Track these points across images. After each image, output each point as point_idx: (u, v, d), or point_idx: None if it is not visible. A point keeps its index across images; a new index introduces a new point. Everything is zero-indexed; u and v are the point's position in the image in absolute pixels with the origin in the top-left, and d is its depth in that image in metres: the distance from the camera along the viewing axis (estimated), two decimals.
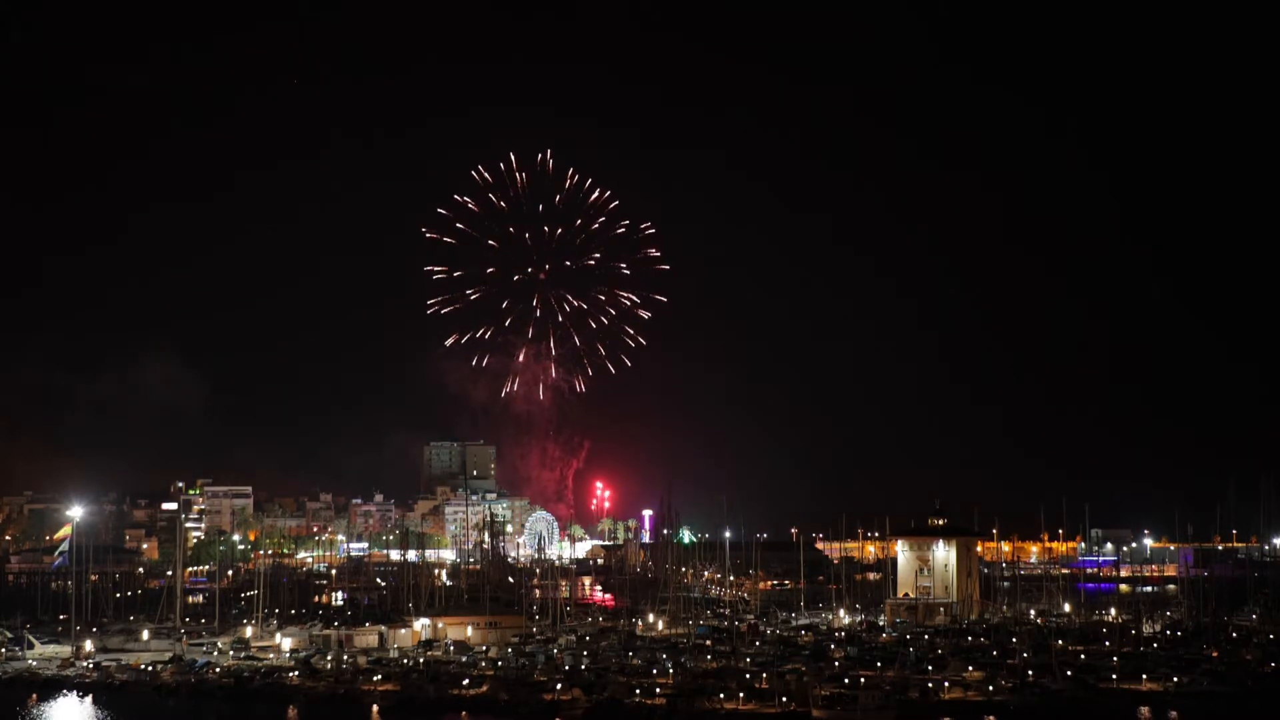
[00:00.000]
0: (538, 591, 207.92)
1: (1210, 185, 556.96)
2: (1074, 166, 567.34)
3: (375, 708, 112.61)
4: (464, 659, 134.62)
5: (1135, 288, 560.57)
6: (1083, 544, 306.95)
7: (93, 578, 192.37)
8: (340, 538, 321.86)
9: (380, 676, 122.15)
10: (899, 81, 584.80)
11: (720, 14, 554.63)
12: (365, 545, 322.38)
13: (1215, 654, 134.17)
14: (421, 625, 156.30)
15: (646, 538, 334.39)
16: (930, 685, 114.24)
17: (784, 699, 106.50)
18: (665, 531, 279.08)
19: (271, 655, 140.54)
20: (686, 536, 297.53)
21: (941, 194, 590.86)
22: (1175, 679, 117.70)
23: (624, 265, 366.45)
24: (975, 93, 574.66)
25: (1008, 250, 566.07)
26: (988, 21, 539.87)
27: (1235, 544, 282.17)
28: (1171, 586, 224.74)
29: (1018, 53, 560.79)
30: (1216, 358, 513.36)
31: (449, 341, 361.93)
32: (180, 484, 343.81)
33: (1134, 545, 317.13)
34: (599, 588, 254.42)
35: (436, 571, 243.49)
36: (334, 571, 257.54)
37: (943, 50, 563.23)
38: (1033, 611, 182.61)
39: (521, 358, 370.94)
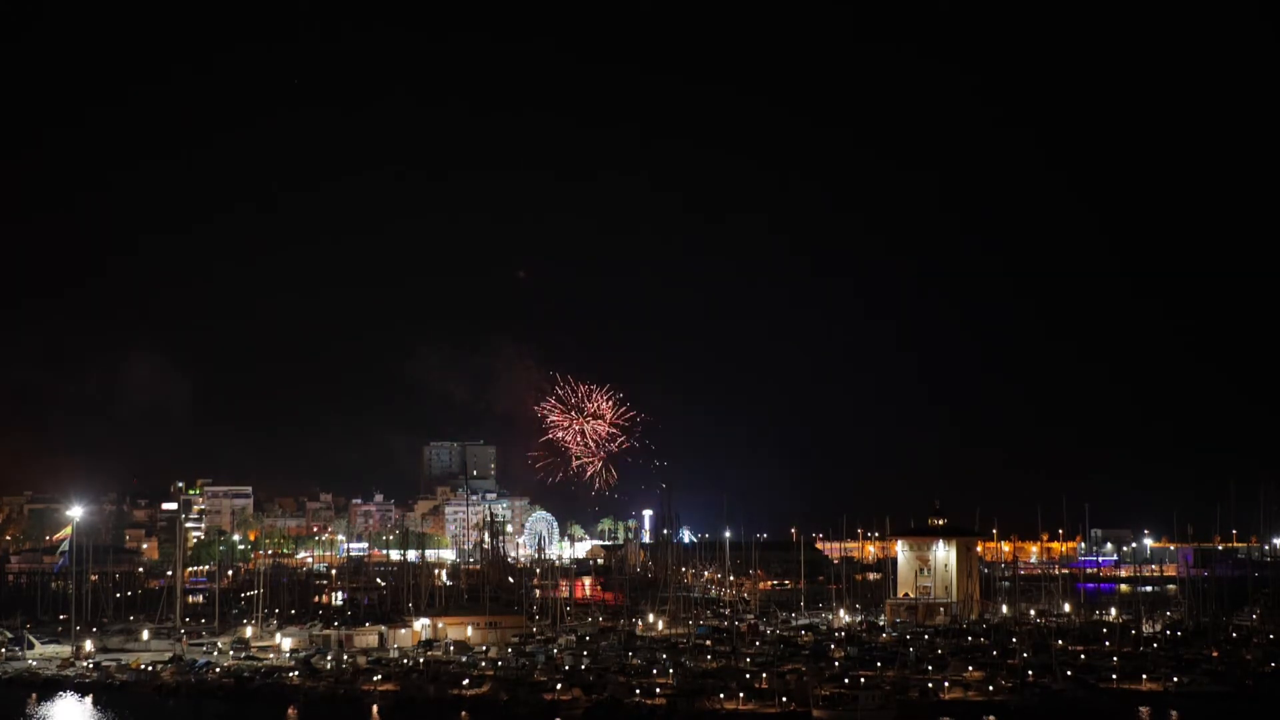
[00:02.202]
0: (538, 591, 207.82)
1: (1201, 191, 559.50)
2: (1059, 179, 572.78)
3: (375, 708, 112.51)
4: (464, 659, 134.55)
5: (1136, 290, 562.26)
6: (1083, 544, 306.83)
7: (93, 578, 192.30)
8: (340, 538, 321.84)
9: (380, 676, 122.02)
10: (890, 106, 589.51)
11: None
12: (365, 545, 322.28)
13: (1215, 654, 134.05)
14: (421, 625, 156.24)
15: (646, 538, 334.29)
16: (930, 685, 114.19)
17: (784, 699, 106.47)
18: (665, 531, 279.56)
19: (271, 655, 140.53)
20: (686, 536, 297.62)
21: (929, 220, 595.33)
22: (1175, 679, 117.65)
23: None
24: (965, 115, 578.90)
25: (1008, 253, 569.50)
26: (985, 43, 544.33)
27: (1235, 544, 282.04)
28: (1171, 586, 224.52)
29: (1010, 74, 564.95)
30: (1217, 358, 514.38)
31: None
32: (180, 484, 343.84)
33: (1134, 545, 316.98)
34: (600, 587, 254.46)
35: (436, 571, 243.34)
36: (334, 571, 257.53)
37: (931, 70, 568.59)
38: (1033, 611, 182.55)
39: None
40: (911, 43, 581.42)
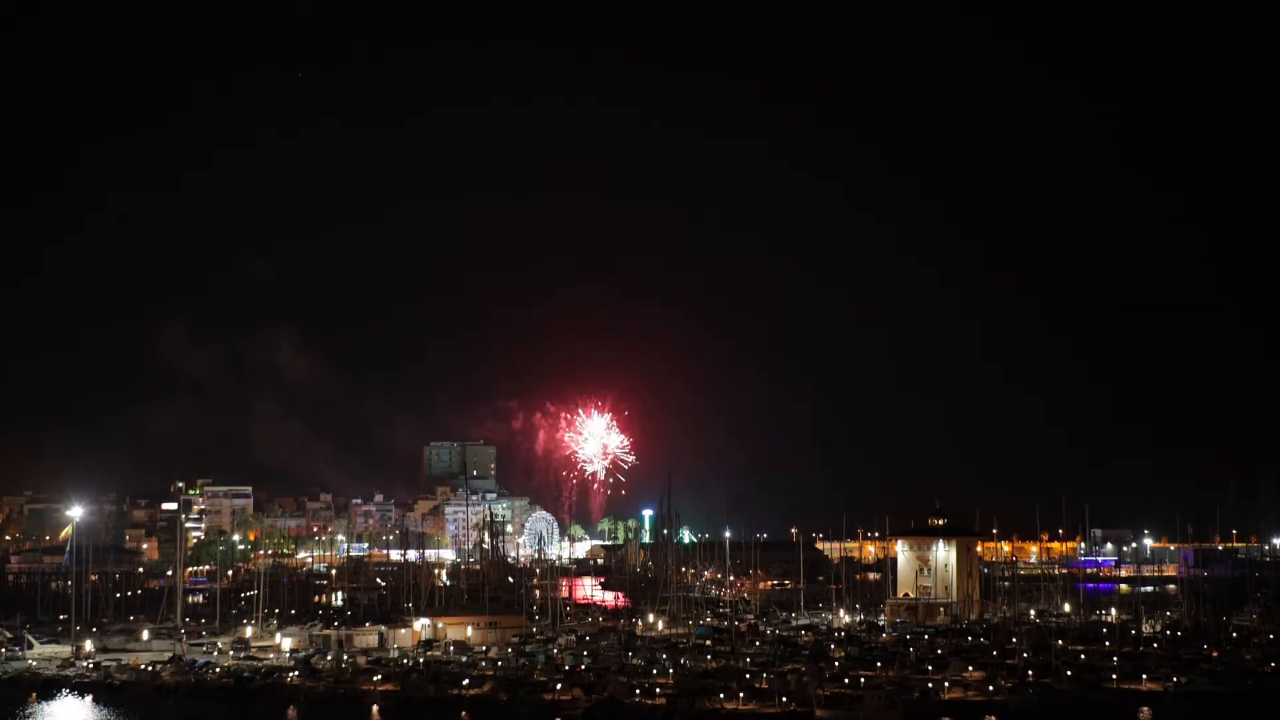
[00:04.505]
0: (538, 592, 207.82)
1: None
2: (1104, 159, 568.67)
3: (375, 708, 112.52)
4: (464, 659, 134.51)
5: (1141, 288, 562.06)
6: (1083, 544, 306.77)
7: (93, 578, 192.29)
8: (340, 538, 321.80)
9: (380, 676, 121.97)
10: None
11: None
12: (365, 545, 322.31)
13: (1215, 654, 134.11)
14: (421, 625, 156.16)
15: (646, 537, 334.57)
16: (931, 685, 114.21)
17: (784, 699, 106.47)
18: (665, 531, 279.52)
19: (271, 655, 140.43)
20: (686, 536, 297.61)
21: (945, 191, 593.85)
22: (1175, 679, 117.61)
23: None
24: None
25: (1016, 252, 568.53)
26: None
27: (1235, 544, 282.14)
28: (1171, 586, 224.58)
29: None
30: (1219, 357, 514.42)
31: None
32: (180, 484, 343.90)
33: (1134, 545, 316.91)
34: (600, 587, 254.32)
35: (436, 571, 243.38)
36: (334, 571, 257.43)
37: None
38: (1033, 611, 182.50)
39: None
40: None
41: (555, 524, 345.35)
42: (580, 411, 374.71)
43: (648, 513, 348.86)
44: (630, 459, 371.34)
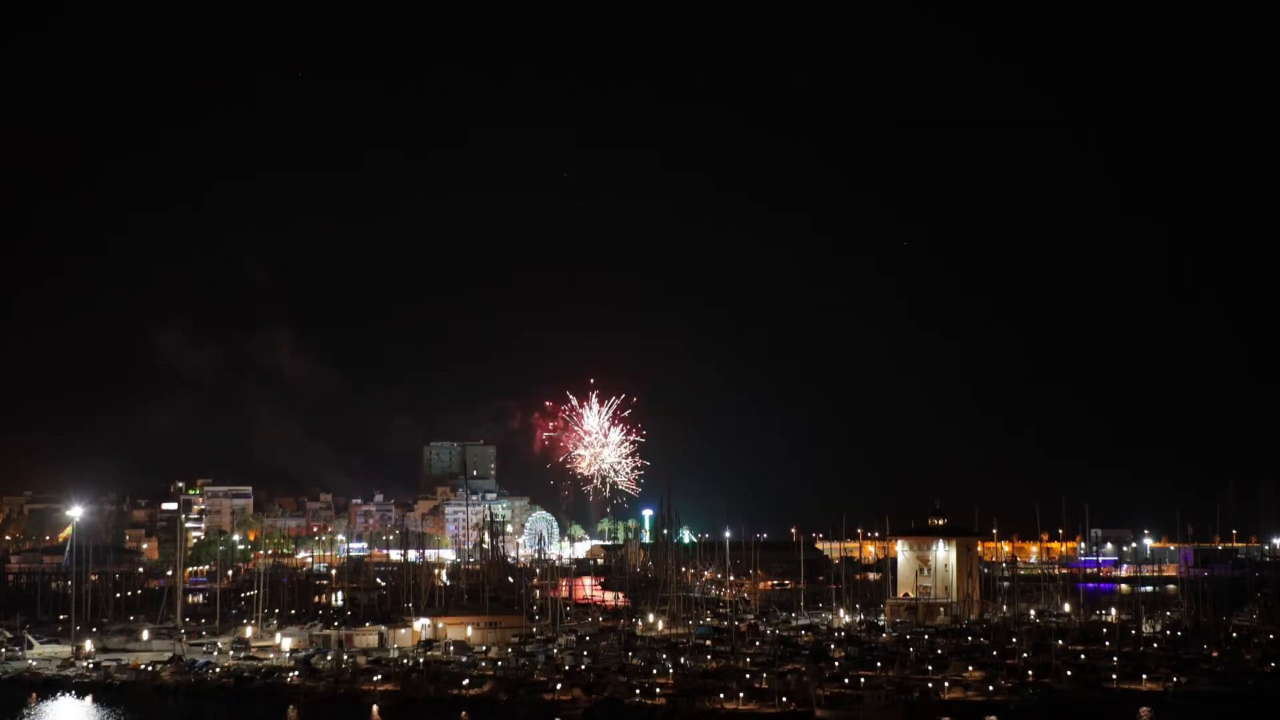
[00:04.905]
0: (538, 592, 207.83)
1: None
2: (1085, 160, 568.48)
3: (375, 708, 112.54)
4: (464, 659, 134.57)
5: (1144, 290, 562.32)
6: (1083, 544, 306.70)
7: (93, 578, 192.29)
8: (340, 538, 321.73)
9: (380, 676, 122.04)
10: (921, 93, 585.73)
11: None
12: (365, 545, 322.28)
13: (1215, 654, 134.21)
14: (421, 625, 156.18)
15: (646, 537, 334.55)
16: (931, 685, 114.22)
17: (784, 699, 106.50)
18: (665, 531, 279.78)
19: (271, 655, 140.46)
20: (686, 536, 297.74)
21: (944, 192, 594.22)
22: (1175, 679, 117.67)
23: None
24: (991, 92, 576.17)
25: (1014, 249, 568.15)
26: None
27: (1235, 544, 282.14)
28: (1171, 586, 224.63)
29: (1033, 42, 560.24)
30: (1219, 358, 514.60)
31: None
32: (180, 484, 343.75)
33: (1134, 545, 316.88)
34: (600, 587, 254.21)
35: (436, 571, 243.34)
36: (334, 571, 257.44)
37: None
38: (1033, 611, 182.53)
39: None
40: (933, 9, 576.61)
41: (555, 524, 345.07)
42: (580, 411, 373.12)
43: (648, 513, 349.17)
44: (631, 459, 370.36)
